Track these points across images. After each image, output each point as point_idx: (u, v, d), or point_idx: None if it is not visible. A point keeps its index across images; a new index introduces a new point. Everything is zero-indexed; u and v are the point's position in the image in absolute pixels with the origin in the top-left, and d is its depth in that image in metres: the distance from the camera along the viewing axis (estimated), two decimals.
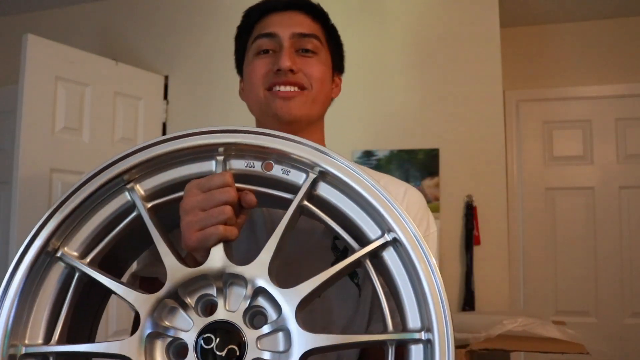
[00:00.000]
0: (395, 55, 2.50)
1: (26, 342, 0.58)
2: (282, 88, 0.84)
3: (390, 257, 0.59)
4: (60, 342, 0.59)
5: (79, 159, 2.37)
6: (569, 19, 2.98)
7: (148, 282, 0.80)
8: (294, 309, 0.57)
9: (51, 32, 2.65)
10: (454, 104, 2.42)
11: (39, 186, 2.24)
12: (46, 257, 0.60)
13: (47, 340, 0.59)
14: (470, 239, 2.35)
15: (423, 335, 0.56)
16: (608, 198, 2.91)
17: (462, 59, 2.43)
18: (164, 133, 2.60)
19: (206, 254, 0.59)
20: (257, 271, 0.58)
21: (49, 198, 2.27)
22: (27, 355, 0.57)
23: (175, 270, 0.59)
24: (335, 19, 0.95)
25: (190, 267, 0.59)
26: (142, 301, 0.58)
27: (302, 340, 0.56)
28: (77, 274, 0.61)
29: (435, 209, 2.37)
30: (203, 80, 2.72)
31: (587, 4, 2.83)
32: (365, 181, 0.59)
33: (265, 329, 0.58)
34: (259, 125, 0.89)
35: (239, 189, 0.61)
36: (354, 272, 0.83)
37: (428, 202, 2.55)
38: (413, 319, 0.58)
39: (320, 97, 0.87)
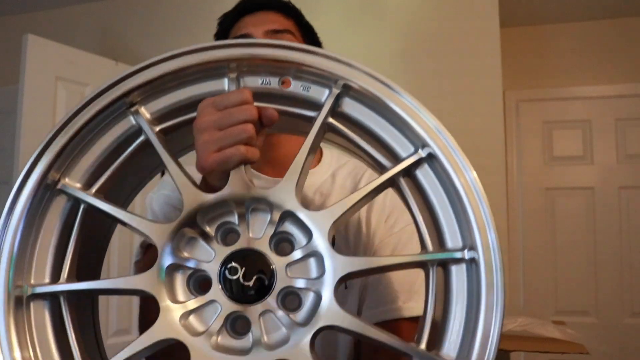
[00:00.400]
0: (394, 55, 2.50)
1: (32, 282, 0.53)
2: None
3: (424, 175, 0.55)
4: (69, 280, 0.54)
5: None
6: (569, 19, 2.99)
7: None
8: (327, 232, 0.53)
9: (51, 32, 2.65)
10: (453, 104, 2.42)
11: None
12: (46, 191, 0.55)
13: (55, 279, 0.54)
14: None
15: (466, 254, 0.52)
16: (608, 198, 2.92)
17: (462, 59, 2.43)
18: None
19: (223, 177, 0.55)
20: (284, 194, 0.54)
21: None
22: (35, 295, 0.53)
23: (191, 195, 0.54)
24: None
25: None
26: (158, 231, 0.53)
27: (338, 264, 0.52)
28: (82, 207, 0.56)
29: None
30: None
31: (587, 4, 2.84)
32: (396, 93, 0.55)
33: (295, 255, 0.54)
34: None
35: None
36: None
37: None
38: (453, 239, 0.53)
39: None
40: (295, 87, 0.57)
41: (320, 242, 0.53)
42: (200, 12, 2.78)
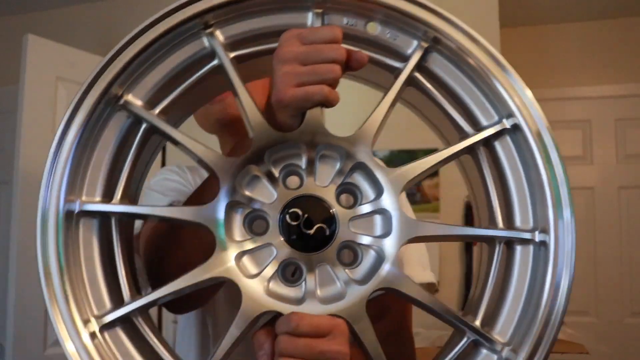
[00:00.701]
0: None
1: (84, 198, 0.50)
2: None
3: (504, 147, 0.53)
4: (123, 201, 0.51)
5: None
6: (569, 19, 2.99)
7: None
8: (399, 191, 0.50)
9: (51, 32, 2.65)
10: None
11: (39, 186, 2.24)
12: (106, 106, 0.51)
13: (107, 198, 0.51)
14: None
15: (536, 236, 0.50)
16: (608, 198, 2.92)
17: None
18: None
19: (296, 115, 0.51)
20: (360, 144, 0.51)
21: None
22: (85, 213, 0.50)
23: (263, 130, 0.50)
24: None
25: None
26: (222, 163, 0.50)
27: (405, 225, 0.50)
28: (143, 127, 0.52)
29: (435, 209, 2.37)
30: None
31: (587, 4, 2.84)
32: (493, 54, 0.52)
33: (361, 209, 0.51)
34: (220, 140, 0.88)
35: None
36: None
37: (428, 202, 2.57)
38: (523, 219, 0.52)
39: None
40: (382, 33, 0.54)
41: (391, 201, 0.50)
42: None
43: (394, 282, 0.49)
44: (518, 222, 0.52)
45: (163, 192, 0.82)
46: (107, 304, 0.50)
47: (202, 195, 0.57)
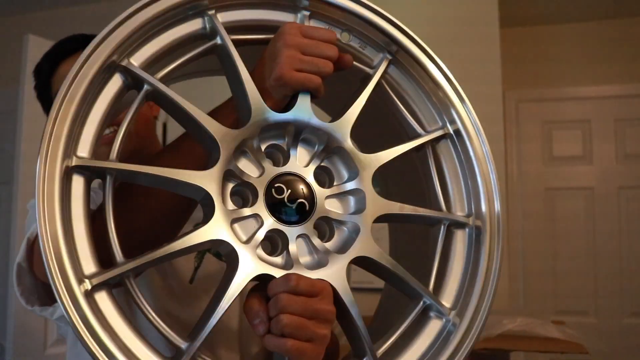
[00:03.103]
0: None
1: (79, 154, 0.53)
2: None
3: (444, 148, 0.66)
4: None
5: None
6: (569, 19, 3.08)
7: None
8: (371, 174, 0.60)
9: (51, 32, 2.65)
10: None
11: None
12: (107, 70, 0.55)
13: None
14: None
15: (471, 221, 0.63)
16: (607, 198, 2.99)
17: (461, 59, 2.44)
18: (164, 134, 2.61)
19: (288, 96, 0.61)
20: (340, 129, 0.61)
21: None
22: (80, 168, 0.52)
23: (261, 109, 0.59)
24: None
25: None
26: (225, 134, 0.56)
27: (377, 205, 0.59)
28: (143, 89, 0.56)
29: None
30: (202, 80, 2.72)
31: (587, 5, 2.88)
32: (442, 68, 0.66)
33: (338, 188, 0.61)
34: None
35: None
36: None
37: None
38: (460, 208, 0.64)
39: (138, 130, 0.91)
40: (353, 41, 0.66)
41: (365, 183, 0.60)
42: None
43: (369, 251, 0.58)
44: (456, 210, 0.65)
45: None
46: (93, 265, 0.52)
47: (177, 155, 0.62)
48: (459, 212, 0.63)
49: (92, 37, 0.93)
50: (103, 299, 0.49)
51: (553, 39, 3.31)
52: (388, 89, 0.66)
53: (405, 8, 2.64)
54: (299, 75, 0.58)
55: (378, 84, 0.65)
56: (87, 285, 0.48)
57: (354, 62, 0.65)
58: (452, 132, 0.65)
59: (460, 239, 0.62)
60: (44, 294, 0.82)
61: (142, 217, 0.61)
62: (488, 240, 0.61)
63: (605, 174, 3.07)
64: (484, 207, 0.62)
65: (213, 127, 0.55)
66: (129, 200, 0.64)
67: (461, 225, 0.62)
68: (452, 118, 0.64)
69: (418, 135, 0.65)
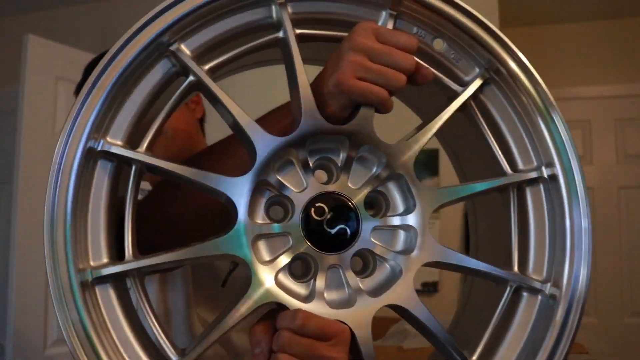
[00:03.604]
0: None
1: (109, 139, 0.46)
2: None
3: (534, 195, 0.53)
4: (148, 152, 0.47)
5: None
6: (569, 19, 2.97)
7: None
8: (430, 211, 0.49)
9: (51, 32, 2.64)
10: None
11: (40, 187, 2.24)
12: (154, 50, 0.47)
13: (132, 145, 0.47)
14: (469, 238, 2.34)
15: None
16: (607, 198, 2.90)
17: None
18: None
19: (347, 107, 0.48)
20: (405, 153, 0.49)
21: None
22: (105, 153, 0.45)
23: (314, 117, 0.47)
24: None
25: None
26: (267, 140, 0.47)
27: (429, 249, 0.48)
28: (188, 80, 0.47)
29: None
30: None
31: (587, 4, 2.83)
32: (549, 98, 0.52)
33: (389, 220, 0.49)
34: None
35: None
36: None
37: None
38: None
39: (177, 134, 0.84)
40: (447, 52, 0.52)
41: (419, 219, 0.49)
42: None
43: (406, 301, 0.47)
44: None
45: None
46: (104, 257, 0.45)
47: (223, 155, 0.54)
48: (534, 275, 0.51)
49: None
50: (106, 292, 0.44)
51: (553, 38, 3.00)
52: (477, 112, 0.53)
53: None
54: (360, 85, 0.47)
55: (465, 104, 0.52)
56: (88, 276, 0.43)
57: (442, 76, 0.52)
58: (546, 176, 0.52)
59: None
60: None
61: (184, 209, 0.56)
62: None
63: (605, 174, 2.87)
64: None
65: (253, 129, 0.47)
66: (175, 191, 0.56)
67: (535, 291, 0.51)
68: (550, 160, 0.52)
69: (503, 174, 0.52)
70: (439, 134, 0.54)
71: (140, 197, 0.50)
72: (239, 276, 0.76)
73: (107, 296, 0.45)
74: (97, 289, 0.44)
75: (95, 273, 0.44)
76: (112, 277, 0.44)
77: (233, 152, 0.53)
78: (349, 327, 0.46)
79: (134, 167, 0.46)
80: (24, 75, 2.18)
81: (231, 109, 0.46)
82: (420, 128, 0.50)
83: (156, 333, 0.45)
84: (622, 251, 2.84)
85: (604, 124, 2.92)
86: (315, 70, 0.54)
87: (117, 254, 0.46)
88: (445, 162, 2.43)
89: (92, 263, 0.45)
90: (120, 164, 0.46)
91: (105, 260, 0.45)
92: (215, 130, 0.81)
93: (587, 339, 1.71)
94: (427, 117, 0.52)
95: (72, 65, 2.34)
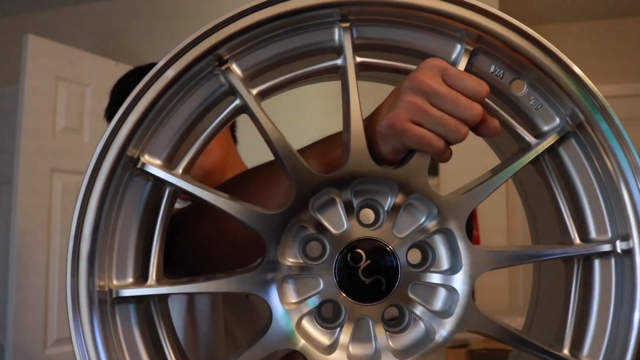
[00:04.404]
0: None
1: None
2: None
3: (604, 267, 0.46)
4: (184, 177, 0.44)
5: (80, 159, 2.35)
6: (570, 19, 2.97)
7: None
8: (477, 275, 0.44)
9: (51, 32, 2.64)
10: None
11: (40, 186, 2.24)
12: (206, 68, 0.44)
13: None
14: (469, 239, 2.33)
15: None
16: None
17: None
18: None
19: (399, 151, 0.44)
20: (458, 207, 0.44)
21: (50, 198, 2.27)
22: (142, 171, 0.43)
23: (362, 155, 0.43)
24: None
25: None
26: (307, 176, 0.43)
27: (469, 314, 0.44)
28: (235, 102, 0.45)
29: None
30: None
31: (588, 4, 2.83)
32: (637, 163, 0.44)
33: (428, 277, 0.45)
34: None
35: None
36: None
37: None
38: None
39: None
40: (526, 96, 0.46)
41: (465, 281, 0.44)
42: (200, 13, 2.78)
43: None
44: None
45: None
46: (129, 276, 0.43)
47: (270, 183, 0.51)
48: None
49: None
50: (126, 312, 0.43)
51: (553, 38, 3.28)
52: (550, 169, 0.47)
53: None
54: (415, 130, 0.42)
55: (538, 159, 0.46)
56: (107, 294, 0.42)
57: (516, 125, 0.46)
58: (620, 250, 0.45)
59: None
60: None
61: (226, 228, 0.53)
62: None
63: None
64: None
65: (293, 164, 0.43)
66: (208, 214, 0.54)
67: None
68: (627, 233, 0.44)
69: (570, 243, 0.46)
70: (518, 185, 0.49)
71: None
72: None
73: (127, 317, 0.43)
74: (117, 309, 0.43)
75: (116, 293, 0.42)
76: (133, 299, 0.43)
77: (281, 178, 0.49)
78: None
79: (167, 190, 0.45)
80: (24, 75, 2.18)
81: (272, 136, 0.43)
82: (495, 172, 0.45)
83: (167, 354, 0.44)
84: None
85: None
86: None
87: (143, 274, 0.45)
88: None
89: (115, 282, 0.43)
90: (157, 183, 0.45)
91: (130, 280, 0.44)
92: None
93: None
94: (505, 159, 0.47)
95: (72, 65, 2.35)
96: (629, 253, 0.44)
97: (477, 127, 0.43)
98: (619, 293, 0.45)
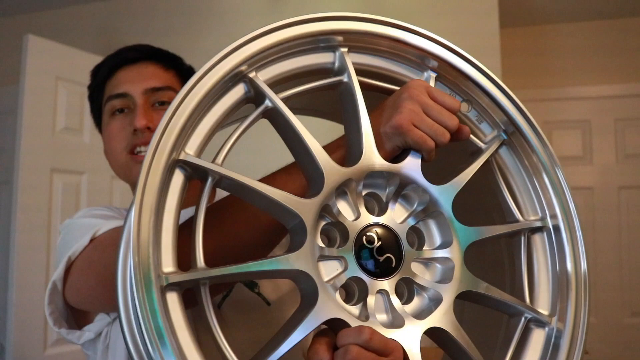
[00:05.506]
0: None
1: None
2: (143, 149, 0.81)
3: (539, 242, 0.61)
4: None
5: (80, 159, 2.36)
6: (569, 19, 2.96)
7: None
8: (465, 247, 0.55)
9: (51, 32, 2.64)
10: None
11: (40, 186, 2.23)
12: (233, 79, 0.52)
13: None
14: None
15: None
16: (607, 198, 2.90)
17: None
18: None
19: (399, 149, 0.56)
20: (444, 195, 0.56)
21: (50, 198, 2.27)
22: (184, 162, 0.48)
23: (372, 154, 0.54)
24: None
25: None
26: (332, 169, 0.52)
27: (463, 279, 0.54)
28: (263, 105, 0.53)
29: None
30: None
31: (587, 4, 2.82)
32: (552, 155, 0.62)
33: (425, 254, 0.55)
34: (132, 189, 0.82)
35: None
36: (253, 282, 0.80)
37: None
38: (544, 305, 0.61)
39: None
40: (471, 113, 0.62)
41: (456, 254, 0.55)
42: (200, 13, 2.78)
43: (446, 323, 0.52)
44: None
45: (97, 217, 0.77)
46: (171, 265, 0.46)
47: (289, 179, 0.57)
48: (541, 309, 0.59)
49: (156, 49, 0.83)
50: (173, 299, 0.45)
51: (553, 38, 2.96)
52: (495, 167, 0.62)
53: (404, 8, 2.64)
54: (416, 131, 0.54)
55: (487, 160, 0.60)
56: (163, 281, 0.44)
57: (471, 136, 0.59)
58: (550, 227, 0.60)
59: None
60: (72, 318, 0.77)
61: (243, 230, 0.58)
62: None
63: (605, 174, 2.87)
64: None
65: (323, 158, 0.52)
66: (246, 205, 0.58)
67: (541, 323, 0.58)
68: (554, 213, 0.60)
69: (515, 221, 0.60)
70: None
71: None
72: (233, 301, 0.78)
73: (174, 303, 0.46)
74: (168, 295, 0.45)
75: (167, 279, 0.45)
76: (178, 285, 0.45)
77: (297, 177, 0.57)
78: (402, 346, 0.50)
79: (209, 179, 0.49)
80: (24, 75, 2.18)
81: (303, 135, 0.52)
82: (451, 177, 0.57)
83: (221, 345, 0.47)
84: (621, 251, 2.84)
85: (604, 124, 2.92)
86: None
87: (180, 265, 0.47)
88: None
89: (164, 269, 0.45)
90: (193, 174, 0.49)
91: (171, 268, 0.46)
92: None
93: (587, 339, 1.71)
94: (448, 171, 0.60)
95: (72, 65, 2.34)
96: (557, 229, 0.60)
97: (455, 134, 0.56)
98: (552, 256, 0.60)
